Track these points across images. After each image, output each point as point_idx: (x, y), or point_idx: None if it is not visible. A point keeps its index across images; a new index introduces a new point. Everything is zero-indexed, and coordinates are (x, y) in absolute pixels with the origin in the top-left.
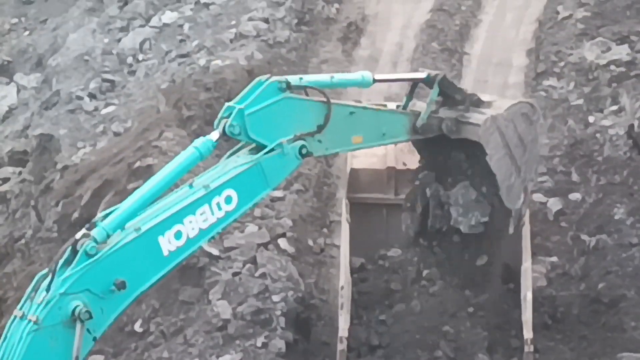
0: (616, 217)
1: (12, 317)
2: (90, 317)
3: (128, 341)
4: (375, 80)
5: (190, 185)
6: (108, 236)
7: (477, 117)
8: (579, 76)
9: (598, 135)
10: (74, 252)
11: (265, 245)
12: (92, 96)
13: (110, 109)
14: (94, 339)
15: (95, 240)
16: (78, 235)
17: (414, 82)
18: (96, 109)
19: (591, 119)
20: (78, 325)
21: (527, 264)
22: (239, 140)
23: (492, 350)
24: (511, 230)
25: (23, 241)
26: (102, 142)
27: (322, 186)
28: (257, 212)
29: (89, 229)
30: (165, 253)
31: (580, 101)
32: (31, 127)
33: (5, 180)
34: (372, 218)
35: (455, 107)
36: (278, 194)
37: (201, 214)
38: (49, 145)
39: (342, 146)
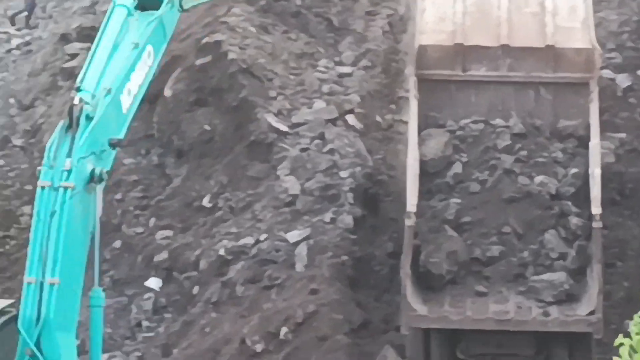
0: None
1: (39, 189)
2: (107, 178)
3: (196, 216)
4: None
5: (115, 46)
6: (93, 98)
7: None
8: None
9: None
10: (71, 117)
11: (333, 121)
12: None
13: None
14: None
15: (88, 104)
16: (76, 100)
17: None
18: None
19: None
20: (98, 186)
21: (595, 141)
22: None
23: (561, 227)
24: None
25: None
26: None
27: (390, 62)
28: (325, 88)
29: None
30: (124, 110)
31: None
32: (99, 2)
33: (74, 56)
34: (440, 94)
35: None
36: (346, 69)
37: (139, 70)
38: None
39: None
